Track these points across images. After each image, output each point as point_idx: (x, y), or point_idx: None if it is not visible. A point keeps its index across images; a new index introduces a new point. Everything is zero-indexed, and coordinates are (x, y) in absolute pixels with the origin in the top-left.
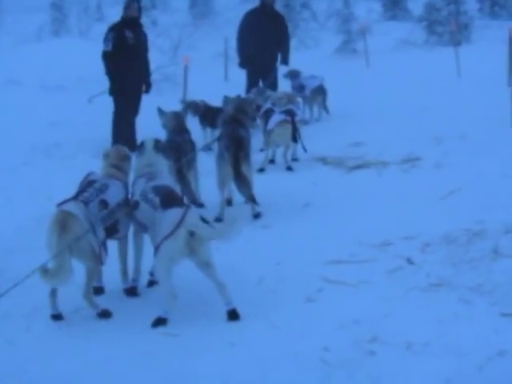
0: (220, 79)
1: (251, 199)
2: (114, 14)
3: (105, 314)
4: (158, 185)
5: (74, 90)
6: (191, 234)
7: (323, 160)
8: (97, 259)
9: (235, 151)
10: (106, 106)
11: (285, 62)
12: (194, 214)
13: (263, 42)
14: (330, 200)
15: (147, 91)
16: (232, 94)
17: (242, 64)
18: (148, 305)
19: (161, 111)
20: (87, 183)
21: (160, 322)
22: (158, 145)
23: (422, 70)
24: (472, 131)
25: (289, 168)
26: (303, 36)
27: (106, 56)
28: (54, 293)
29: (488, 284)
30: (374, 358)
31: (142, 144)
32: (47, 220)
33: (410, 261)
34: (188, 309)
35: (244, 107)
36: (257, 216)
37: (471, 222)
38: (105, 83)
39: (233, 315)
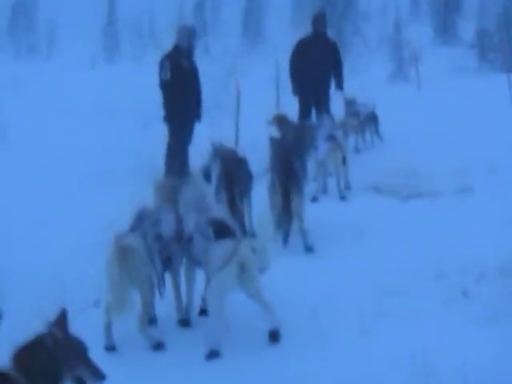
0: (272, 105)
1: (285, 236)
2: (167, 40)
3: (159, 346)
4: (212, 217)
5: (127, 117)
6: (242, 266)
7: (377, 189)
8: (154, 292)
9: (286, 184)
10: (159, 134)
11: (339, 87)
12: (245, 246)
13: (315, 69)
14: (384, 230)
15: (198, 121)
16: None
17: (295, 91)
18: (201, 336)
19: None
20: (141, 217)
21: (213, 354)
22: (206, 174)
23: (475, 97)
24: None
25: (342, 197)
26: (355, 62)
27: (165, 85)
28: (109, 324)
29: None
30: None
31: (191, 175)
32: (105, 251)
33: (465, 293)
34: (239, 339)
35: (304, 135)
36: (309, 249)
37: None
38: (158, 110)
39: (274, 336)
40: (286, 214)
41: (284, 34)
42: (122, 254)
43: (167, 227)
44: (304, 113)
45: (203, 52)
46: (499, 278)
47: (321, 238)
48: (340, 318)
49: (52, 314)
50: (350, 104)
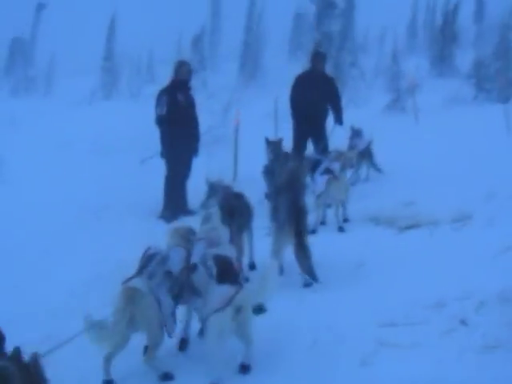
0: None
1: (310, 273)
2: (165, 75)
3: (167, 377)
4: (219, 254)
5: (124, 152)
6: (238, 310)
7: (375, 220)
8: (162, 332)
9: (297, 222)
10: (156, 169)
11: (339, 122)
12: (244, 293)
13: (311, 103)
14: (383, 260)
15: (195, 155)
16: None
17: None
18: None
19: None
20: (148, 257)
21: None
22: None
23: (471, 127)
24: None
25: (340, 228)
26: (352, 95)
27: (161, 120)
28: (109, 358)
29: None
30: None
31: (209, 213)
32: (114, 297)
33: (464, 322)
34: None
35: (299, 175)
36: (308, 285)
37: None
38: (156, 146)
39: (245, 368)
40: (302, 251)
41: (282, 68)
42: (128, 296)
43: (175, 262)
44: (299, 146)
45: (201, 86)
46: (498, 306)
47: (320, 269)
48: (340, 348)
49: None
50: (356, 135)
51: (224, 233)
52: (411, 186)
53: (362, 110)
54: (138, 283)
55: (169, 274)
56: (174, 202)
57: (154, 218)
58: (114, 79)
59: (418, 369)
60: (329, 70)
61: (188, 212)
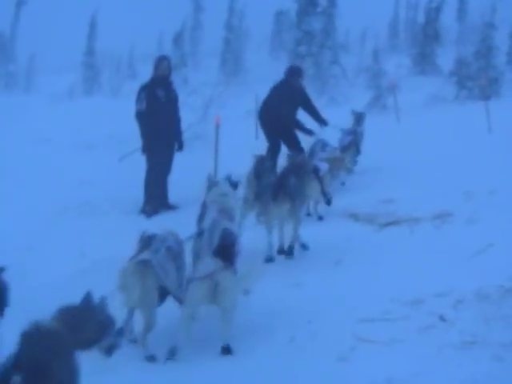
0: (251, 137)
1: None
2: (146, 72)
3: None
4: (229, 229)
5: (105, 149)
6: (216, 286)
7: (355, 216)
8: (155, 314)
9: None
10: (137, 165)
11: (323, 123)
12: (226, 273)
13: (276, 115)
14: (362, 257)
15: (180, 149)
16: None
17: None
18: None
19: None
20: (147, 238)
21: (172, 352)
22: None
23: (453, 125)
24: (503, 186)
25: (320, 218)
26: (333, 92)
27: (140, 115)
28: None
29: None
30: None
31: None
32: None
33: (442, 318)
34: (216, 365)
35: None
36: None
37: (504, 279)
38: (136, 142)
39: (226, 350)
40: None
41: (263, 65)
42: (140, 269)
43: (175, 240)
44: (273, 147)
45: (182, 83)
46: (476, 303)
47: (298, 265)
48: (317, 343)
49: None
50: (360, 118)
51: (235, 201)
52: (392, 183)
53: (342, 108)
54: (146, 256)
55: (170, 249)
56: (155, 197)
57: (135, 214)
58: (94, 75)
59: (396, 365)
60: (309, 67)
61: (169, 207)
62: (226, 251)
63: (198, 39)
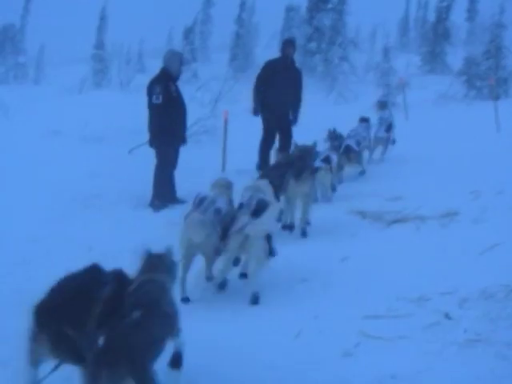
0: (259, 132)
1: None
2: (155, 66)
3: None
4: (263, 199)
5: (113, 142)
6: (246, 237)
7: (362, 214)
8: (216, 251)
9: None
10: (145, 158)
11: (294, 121)
12: (253, 226)
13: (281, 92)
14: (369, 254)
15: (184, 143)
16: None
17: (256, 112)
18: None
19: None
20: (200, 199)
21: (221, 285)
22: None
23: (461, 124)
24: (510, 186)
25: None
26: (342, 89)
27: (158, 109)
28: (184, 280)
29: None
30: None
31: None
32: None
33: (447, 316)
34: (223, 360)
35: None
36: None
37: (509, 278)
38: (144, 135)
39: (255, 298)
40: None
41: None
42: (196, 224)
43: (222, 204)
44: (268, 135)
45: (192, 77)
46: (482, 302)
47: (306, 261)
48: (323, 339)
49: None
50: (383, 105)
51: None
52: (399, 181)
53: (351, 105)
54: (199, 214)
55: (218, 210)
56: (164, 191)
57: (142, 207)
58: (104, 68)
59: (401, 361)
60: (319, 64)
61: (177, 201)
62: (259, 212)
63: (208, 34)
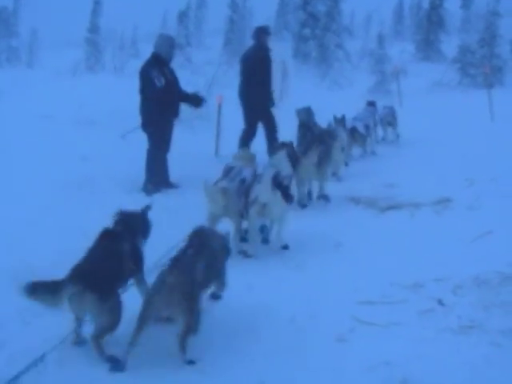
0: None
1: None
2: (149, 51)
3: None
4: (279, 171)
5: (106, 126)
6: (263, 205)
7: (355, 200)
8: (241, 216)
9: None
10: (138, 142)
11: (272, 104)
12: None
13: (257, 87)
14: (362, 240)
15: (175, 117)
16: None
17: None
18: None
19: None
20: (228, 169)
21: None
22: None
23: (455, 112)
24: (504, 174)
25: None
26: (337, 76)
27: (158, 92)
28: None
29: None
30: None
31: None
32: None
33: (441, 303)
34: (219, 343)
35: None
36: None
37: (503, 265)
38: (137, 119)
39: (285, 247)
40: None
41: None
42: (222, 192)
43: (248, 174)
44: (248, 133)
45: (186, 62)
46: (475, 288)
47: (300, 247)
48: (317, 325)
49: None
50: (371, 104)
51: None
52: (393, 168)
53: (345, 92)
54: (225, 183)
55: (243, 180)
56: (156, 175)
57: (135, 191)
58: (97, 52)
59: (394, 347)
60: (314, 50)
61: (170, 185)
62: (276, 183)
63: (202, 19)
